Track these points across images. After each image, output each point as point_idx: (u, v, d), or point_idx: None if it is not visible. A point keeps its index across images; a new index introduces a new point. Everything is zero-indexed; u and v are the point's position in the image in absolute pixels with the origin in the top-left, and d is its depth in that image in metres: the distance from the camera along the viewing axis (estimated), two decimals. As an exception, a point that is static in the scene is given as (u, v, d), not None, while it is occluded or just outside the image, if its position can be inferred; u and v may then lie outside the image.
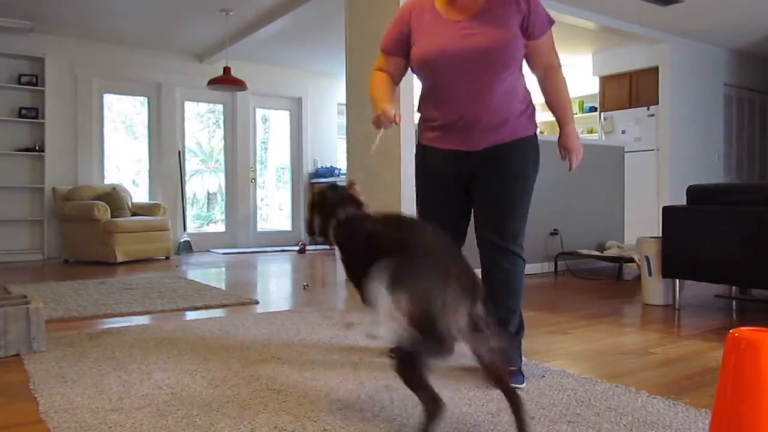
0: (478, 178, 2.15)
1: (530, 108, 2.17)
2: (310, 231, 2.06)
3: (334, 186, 2.13)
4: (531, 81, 2.21)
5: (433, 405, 1.46)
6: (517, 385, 1.99)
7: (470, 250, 2.35)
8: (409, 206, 4.26)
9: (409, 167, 4.21)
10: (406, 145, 4.26)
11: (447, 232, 2.27)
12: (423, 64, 2.08)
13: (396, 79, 2.22)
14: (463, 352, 2.35)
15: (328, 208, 1.97)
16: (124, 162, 7.72)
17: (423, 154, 2.24)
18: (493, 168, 2.10)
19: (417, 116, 2.30)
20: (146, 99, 7.69)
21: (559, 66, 2.17)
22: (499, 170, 2.09)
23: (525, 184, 2.13)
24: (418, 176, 2.28)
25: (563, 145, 2.22)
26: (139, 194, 7.62)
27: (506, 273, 2.14)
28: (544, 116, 10.01)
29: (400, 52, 2.16)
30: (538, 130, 2.21)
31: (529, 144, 2.13)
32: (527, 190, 2.14)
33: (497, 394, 1.92)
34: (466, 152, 2.11)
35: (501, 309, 2.15)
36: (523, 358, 2.31)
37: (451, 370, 2.20)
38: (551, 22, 2.09)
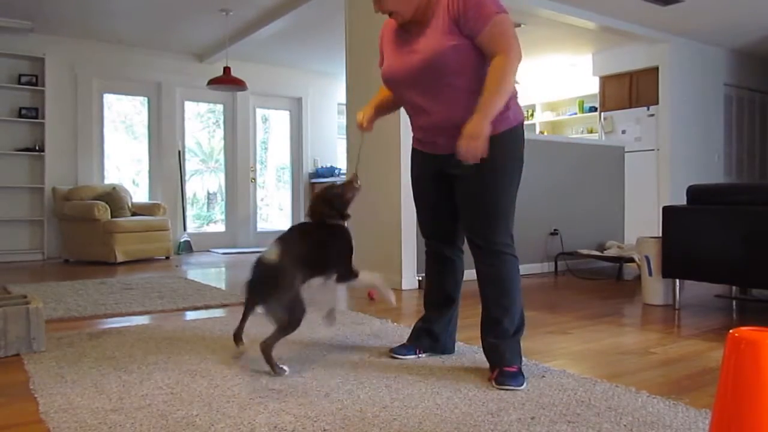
0: (452, 179, 2.18)
1: (506, 104, 2.07)
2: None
3: (330, 187, 2.40)
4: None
5: None
6: (517, 388, 1.99)
7: (468, 251, 2.36)
8: (409, 207, 4.26)
9: (409, 167, 4.20)
10: (405, 148, 4.26)
11: (438, 231, 2.34)
12: (385, 82, 2.25)
13: None
14: (463, 353, 2.35)
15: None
16: (124, 162, 7.72)
17: (412, 157, 2.38)
18: (463, 169, 2.09)
19: None
20: (146, 99, 7.69)
21: (504, 52, 1.95)
22: (474, 170, 2.08)
23: (503, 179, 2.10)
24: (412, 179, 2.41)
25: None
26: (139, 194, 7.63)
27: (492, 272, 2.14)
28: (544, 116, 9.98)
29: None
30: (518, 121, 2.14)
31: (505, 137, 2.08)
32: (506, 184, 2.11)
33: (497, 394, 1.93)
34: (441, 155, 2.17)
35: (492, 308, 2.15)
36: (523, 359, 2.31)
37: (450, 370, 2.20)
38: (494, 13, 1.94)
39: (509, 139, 2.11)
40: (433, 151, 2.21)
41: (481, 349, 2.20)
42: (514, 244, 2.16)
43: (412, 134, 2.35)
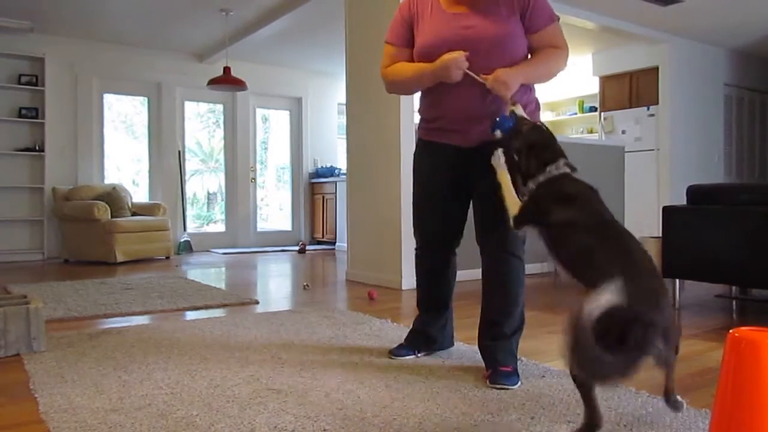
0: (473, 175, 2.15)
1: (532, 105, 2.16)
2: None
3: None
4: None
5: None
6: (510, 386, 1.99)
7: (468, 250, 2.35)
8: (409, 206, 4.26)
9: (409, 167, 4.20)
10: (405, 145, 4.26)
11: (445, 235, 2.29)
12: (424, 54, 2.11)
13: None
14: (463, 352, 2.35)
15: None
16: (124, 162, 7.72)
17: (421, 149, 2.28)
18: (486, 165, 2.08)
19: (417, 117, 2.32)
20: (146, 99, 7.69)
21: (563, 48, 2.11)
22: (491, 167, 2.08)
23: None
24: (416, 172, 2.31)
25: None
26: (139, 194, 7.62)
27: (501, 277, 2.14)
28: (544, 116, 10.00)
29: (410, 43, 2.20)
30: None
31: None
32: None
33: (497, 394, 1.93)
34: (462, 148, 2.13)
35: (495, 312, 2.15)
36: (523, 359, 2.31)
37: (450, 370, 2.20)
38: (554, 18, 2.10)
39: None
40: (459, 142, 2.12)
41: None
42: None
43: (422, 125, 2.25)
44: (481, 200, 2.15)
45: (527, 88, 2.13)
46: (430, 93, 2.17)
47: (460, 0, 2.08)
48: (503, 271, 2.13)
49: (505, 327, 2.13)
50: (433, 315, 2.38)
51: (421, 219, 2.33)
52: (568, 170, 1.83)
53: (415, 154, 2.32)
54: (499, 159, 1.96)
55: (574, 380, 1.49)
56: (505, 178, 1.92)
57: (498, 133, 1.96)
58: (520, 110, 1.98)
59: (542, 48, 2.09)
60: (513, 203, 1.88)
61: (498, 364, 2.06)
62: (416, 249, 2.40)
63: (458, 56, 1.98)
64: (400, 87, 2.28)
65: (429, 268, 2.37)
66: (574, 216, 1.72)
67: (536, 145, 1.86)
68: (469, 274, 2.22)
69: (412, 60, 2.19)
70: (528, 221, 1.84)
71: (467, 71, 2.00)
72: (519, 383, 2.02)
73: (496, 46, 2.02)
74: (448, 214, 2.25)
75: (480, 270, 2.21)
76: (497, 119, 1.97)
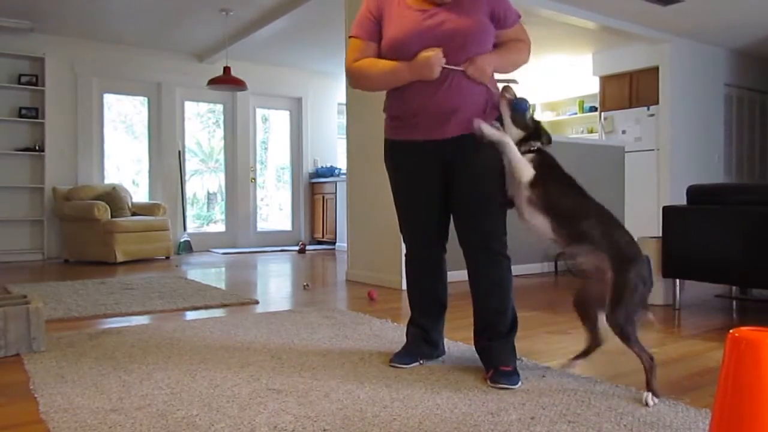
0: (449, 170, 2.13)
1: (493, 99, 2.15)
2: None
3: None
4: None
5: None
6: (511, 386, 1.99)
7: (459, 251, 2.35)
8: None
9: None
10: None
11: (430, 234, 2.24)
12: (394, 50, 2.09)
13: None
14: (463, 353, 2.35)
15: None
16: (124, 162, 7.72)
17: (392, 149, 2.23)
18: (463, 159, 2.07)
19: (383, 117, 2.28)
20: (146, 99, 7.69)
21: (527, 43, 2.23)
22: (469, 162, 2.07)
23: (494, 182, 2.08)
24: (394, 173, 2.26)
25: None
26: (139, 194, 7.62)
27: (488, 276, 2.12)
28: (544, 116, 9.97)
29: (377, 37, 2.16)
30: None
31: None
32: (498, 185, 2.09)
33: (497, 394, 1.93)
34: (439, 141, 2.09)
35: (487, 312, 2.14)
36: (523, 359, 2.31)
37: (450, 370, 2.20)
38: (519, 15, 2.19)
39: None
40: (431, 136, 2.09)
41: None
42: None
43: (393, 125, 2.20)
44: (462, 198, 2.12)
45: (487, 86, 2.14)
46: (400, 91, 2.12)
47: None
48: (494, 272, 2.11)
49: (500, 326, 2.12)
50: (432, 318, 2.33)
51: (410, 221, 2.28)
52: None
53: (389, 156, 2.25)
54: (494, 129, 2.01)
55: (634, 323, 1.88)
56: (511, 143, 2.01)
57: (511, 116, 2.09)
58: (512, 92, 2.10)
59: (508, 42, 2.18)
60: (525, 165, 2.02)
61: (499, 363, 2.06)
62: (407, 254, 2.34)
63: (437, 53, 1.98)
64: (369, 83, 2.19)
65: (426, 270, 2.32)
66: (566, 178, 2.15)
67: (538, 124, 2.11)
68: (461, 274, 2.20)
69: (379, 55, 2.15)
70: (541, 181, 2.03)
71: (445, 65, 2.02)
72: (520, 383, 2.02)
73: (471, 39, 2.05)
74: (437, 212, 2.21)
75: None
76: (514, 101, 2.07)
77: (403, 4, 2.12)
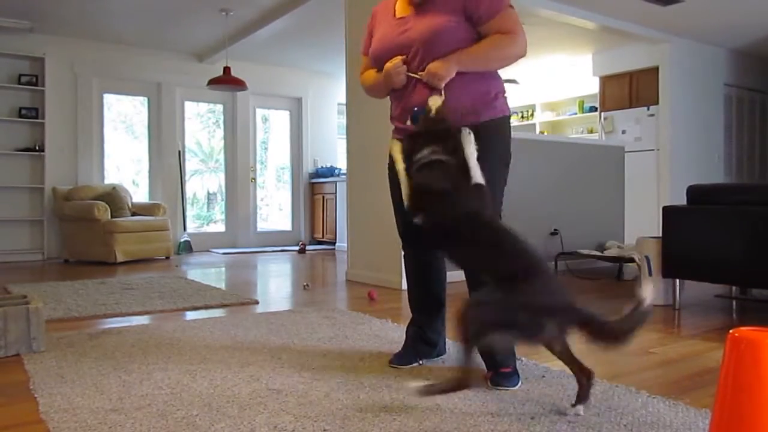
0: None
1: (498, 93, 2.13)
2: None
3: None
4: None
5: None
6: (511, 387, 1.99)
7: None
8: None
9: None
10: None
11: (417, 226, 2.23)
12: (374, 61, 2.22)
13: None
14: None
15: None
16: (124, 162, 7.72)
17: (395, 148, 2.23)
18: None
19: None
20: (146, 99, 7.69)
21: (514, 33, 2.03)
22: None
23: (489, 171, 2.03)
24: (389, 173, 2.28)
25: None
26: (139, 194, 7.62)
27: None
28: (544, 116, 9.97)
29: None
30: (504, 113, 2.13)
31: (490, 125, 2.07)
32: (493, 176, 2.04)
33: (497, 394, 1.93)
34: None
35: None
36: (522, 359, 2.31)
37: (450, 371, 2.20)
38: (502, 6, 2.02)
39: (494, 127, 2.09)
40: None
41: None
42: None
43: (393, 125, 2.27)
44: None
45: (483, 76, 2.08)
46: (394, 95, 2.22)
47: (408, 3, 2.13)
48: None
49: None
50: (429, 316, 2.33)
51: (399, 218, 2.31)
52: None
53: (389, 156, 2.27)
54: (468, 136, 1.96)
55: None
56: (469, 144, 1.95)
57: (409, 123, 2.07)
58: (437, 102, 1.99)
59: (487, 36, 2.05)
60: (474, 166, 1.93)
61: (498, 365, 2.05)
62: (404, 252, 2.37)
63: (395, 63, 2.06)
64: (370, 93, 2.36)
65: (416, 266, 2.34)
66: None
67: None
68: (461, 274, 2.19)
69: None
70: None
71: (408, 73, 2.06)
72: (519, 383, 2.02)
73: (425, 44, 2.04)
74: None
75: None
76: (414, 110, 2.04)
77: (390, 15, 2.19)
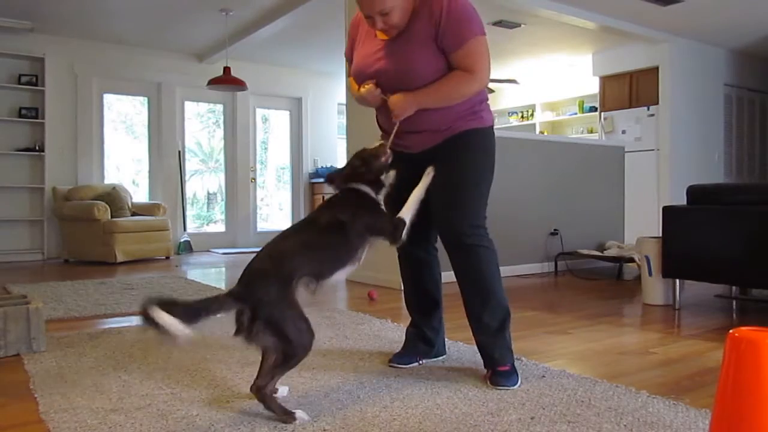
0: (420, 175, 2.13)
1: (474, 107, 2.13)
2: None
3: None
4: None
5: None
6: (511, 386, 1.99)
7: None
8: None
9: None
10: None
11: (411, 230, 2.19)
12: (354, 76, 2.22)
13: None
14: (462, 352, 2.35)
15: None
16: (124, 162, 7.72)
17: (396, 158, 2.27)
18: (434, 162, 2.10)
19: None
20: (146, 99, 7.69)
21: (471, 71, 2.00)
22: (440, 162, 2.09)
23: (472, 171, 2.08)
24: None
25: None
26: (139, 194, 7.62)
27: (463, 266, 2.10)
28: (544, 116, 9.97)
29: None
30: (488, 123, 2.15)
31: (474, 134, 2.10)
32: (474, 176, 2.09)
33: (497, 394, 1.93)
34: (404, 153, 2.14)
35: (470, 304, 2.12)
36: (522, 359, 2.31)
37: (450, 370, 2.20)
38: (468, 37, 1.97)
39: (479, 136, 2.12)
40: (405, 149, 2.14)
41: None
42: (488, 236, 2.11)
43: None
44: (430, 198, 2.10)
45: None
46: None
47: (387, 36, 2.09)
48: (471, 264, 2.09)
49: (486, 319, 2.08)
50: (426, 315, 2.34)
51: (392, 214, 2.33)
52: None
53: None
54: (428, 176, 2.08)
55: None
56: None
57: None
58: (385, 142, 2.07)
59: (455, 70, 2.03)
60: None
61: (496, 364, 2.05)
62: (398, 254, 2.38)
63: (369, 89, 2.08)
64: (357, 102, 2.36)
65: (410, 266, 2.34)
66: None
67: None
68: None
69: None
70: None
71: (382, 95, 2.08)
72: (519, 382, 2.02)
73: (399, 75, 2.04)
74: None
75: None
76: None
77: (370, 30, 2.15)
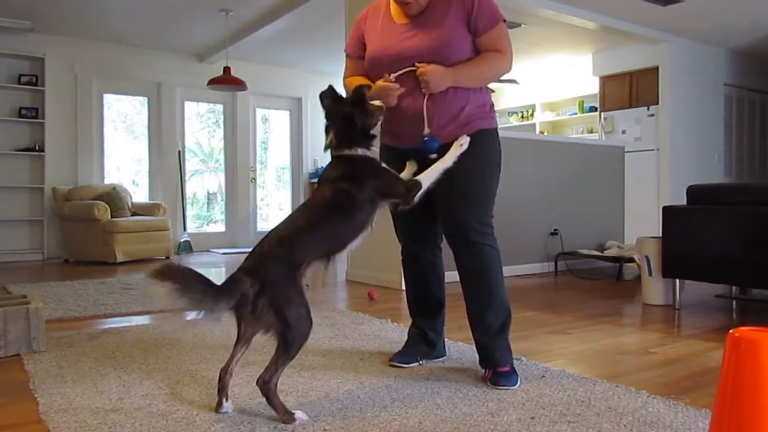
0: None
1: (487, 105, 2.16)
2: None
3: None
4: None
5: None
6: (511, 387, 1.99)
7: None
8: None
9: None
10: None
11: (417, 232, 2.27)
12: (371, 65, 2.18)
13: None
14: (463, 352, 2.34)
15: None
16: (124, 162, 7.72)
17: (385, 153, 2.25)
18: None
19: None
20: (146, 99, 7.69)
21: (504, 53, 2.08)
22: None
23: (480, 170, 2.09)
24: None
25: None
26: (139, 194, 7.62)
27: (468, 266, 2.10)
28: (544, 116, 9.96)
29: (363, 54, 2.24)
30: (494, 126, 2.17)
31: (484, 135, 2.10)
32: (484, 175, 2.09)
33: (497, 394, 1.93)
34: (411, 150, 2.12)
35: (473, 304, 2.12)
36: (522, 359, 2.31)
37: (450, 370, 2.20)
38: (498, 20, 2.06)
39: (488, 136, 2.13)
40: (414, 144, 2.09)
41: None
42: (494, 235, 2.11)
43: (382, 132, 2.24)
44: (437, 195, 2.09)
45: (472, 91, 2.10)
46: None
47: (406, 9, 2.09)
48: (475, 263, 2.09)
49: (488, 319, 2.08)
50: (429, 317, 2.33)
51: (400, 222, 2.33)
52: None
53: (380, 155, 2.27)
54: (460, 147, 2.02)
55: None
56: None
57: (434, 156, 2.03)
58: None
59: (485, 51, 2.07)
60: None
61: (495, 364, 2.05)
62: (402, 254, 2.38)
63: (387, 86, 2.02)
64: None
65: (420, 269, 2.34)
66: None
67: None
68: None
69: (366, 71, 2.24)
70: None
71: (400, 72, 2.03)
72: (518, 382, 2.02)
73: (433, 54, 2.02)
74: (418, 212, 2.13)
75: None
76: (425, 140, 2.03)
77: (387, 19, 2.15)
